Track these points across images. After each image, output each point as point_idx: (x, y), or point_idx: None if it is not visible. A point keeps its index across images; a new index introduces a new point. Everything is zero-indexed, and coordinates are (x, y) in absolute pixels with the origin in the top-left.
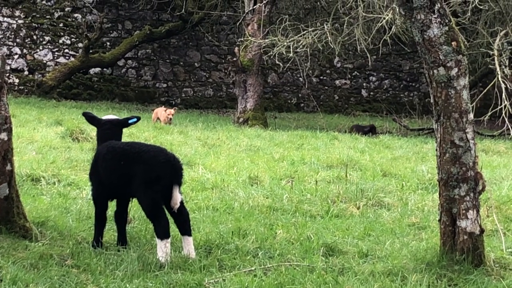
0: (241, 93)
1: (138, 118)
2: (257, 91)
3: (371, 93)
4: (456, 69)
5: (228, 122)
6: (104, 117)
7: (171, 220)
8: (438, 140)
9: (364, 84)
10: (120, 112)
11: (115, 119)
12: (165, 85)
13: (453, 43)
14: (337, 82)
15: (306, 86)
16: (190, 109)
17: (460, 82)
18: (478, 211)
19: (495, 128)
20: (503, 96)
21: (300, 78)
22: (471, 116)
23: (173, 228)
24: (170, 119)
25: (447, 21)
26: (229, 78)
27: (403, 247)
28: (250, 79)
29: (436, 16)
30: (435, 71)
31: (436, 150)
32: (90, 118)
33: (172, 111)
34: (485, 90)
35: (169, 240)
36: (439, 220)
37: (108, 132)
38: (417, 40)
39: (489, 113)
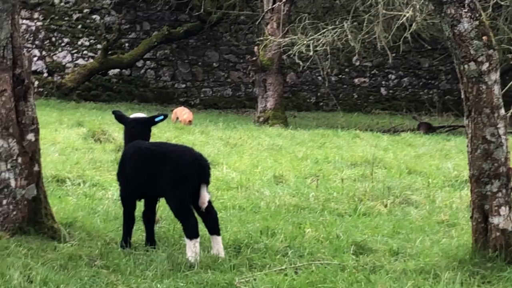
0: (261, 92)
1: (165, 116)
2: (277, 90)
3: (390, 91)
4: (487, 64)
5: (248, 122)
6: (132, 116)
7: (199, 220)
8: (469, 136)
9: (383, 82)
10: (139, 112)
11: (141, 118)
12: (183, 86)
13: (483, 37)
14: (356, 80)
15: (325, 85)
16: (209, 109)
17: (491, 77)
18: (510, 208)
19: None
20: None
21: (319, 77)
22: (502, 111)
23: (202, 228)
24: (190, 121)
25: (477, 15)
26: (248, 77)
27: (433, 244)
28: (270, 78)
29: (466, 10)
30: (465, 66)
31: (467, 146)
32: (119, 117)
33: (191, 116)
34: (507, 87)
35: (198, 239)
36: (471, 217)
37: (134, 131)
38: (447, 35)
39: (510, 111)
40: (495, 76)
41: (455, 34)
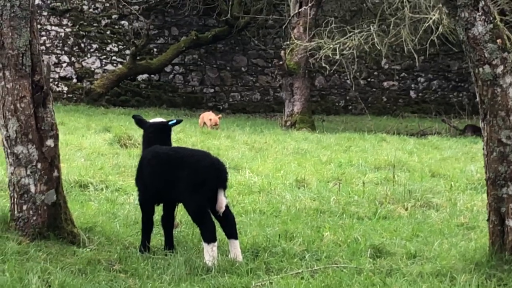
0: (288, 97)
1: (178, 121)
2: (304, 94)
3: (420, 94)
4: (501, 67)
5: (275, 126)
6: (151, 120)
7: (217, 224)
8: (485, 139)
9: (413, 85)
10: (167, 118)
11: (159, 122)
12: (212, 90)
13: (498, 40)
14: (385, 83)
15: (354, 89)
16: (237, 113)
17: (506, 80)
18: None
19: None
20: None
21: (348, 81)
22: None
23: (220, 232)
24: (216, 124)
25: (491, 18)
26: (276, 82)
27: (451, 247)
28: (296, 82)
29: (480, 13)
30: (480, 69)
31: (483, 149)
32: (138, 121)
33: (217, 118)
34: None
35: (215, 243)
36: (488, 220)
37: (151, 136)
38: (462, 38)
39: None
40: (510, 79)
41: (469, 38)
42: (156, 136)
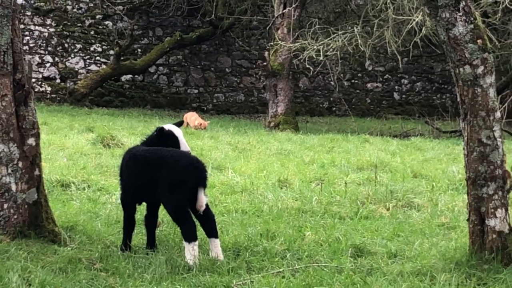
0: (272, 98)
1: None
2: (287, 95)
3: (403, 96)
4: (482, 67)
5: (259, 127)
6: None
7: (198, 223)
8: (466, 139)
9: (396, 87)
10: (151, 118)
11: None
12: (196, 91)
13: (478, 41)
14: (368, 85)
15: (337, 90)
16: (221, 114)
17: (486, 80)
18: (507, 210)
19: None
20: None
21: (331, 82)
22: (498, 114)
23: (201, 231)
24: (204, 128)
25: (472, 19)
26: (260, 83)
27: (432, 247)
28: (280, 83)
29: (461, 14)
30: (461, 69)
31: (464, 149)
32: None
33: (206, 124)
34: None
35: (196, 242)
36: (468, 219)
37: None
38: (442, 38)
39: None
40: (490, 79)
41: (450, 38)
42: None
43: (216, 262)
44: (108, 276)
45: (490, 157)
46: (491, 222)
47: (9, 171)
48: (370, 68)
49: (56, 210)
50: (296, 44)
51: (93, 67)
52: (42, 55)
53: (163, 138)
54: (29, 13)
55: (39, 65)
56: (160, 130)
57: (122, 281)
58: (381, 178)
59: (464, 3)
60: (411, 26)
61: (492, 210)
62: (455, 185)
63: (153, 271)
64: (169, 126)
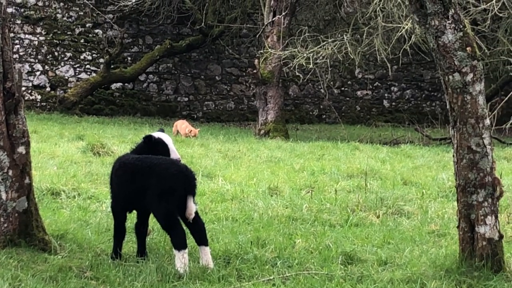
0: (262, 105)
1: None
2: (277, 103)
3: (393, 103)
4: (471, 75)
5: (249, 135)
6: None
7: (187, 231)
8: (455, 146)
9: (386, 95)
10: (141, 126)
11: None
12: (186, 99)
13: (467, 48)
14: (358, 93)
15: (327, 98)
16: (211, 122)
17: (475, 87)
18: (496, 217)
19: None
20: None
21: (321, 90)
22: (487, 121)
23: (192, 239)
24: (195, 135)
25: (461, 26)
26: (250, 90)
27: (422, 254)
28: (270, 91)
29: (450, 22)
30: (450, 77)
31: (453, 156)
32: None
33: (196, 131)
34: (506, 98)
35: (186, 250)
36: (458, 227)
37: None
38: (432, 46)
39: (510, 121)
40: (479, 86)
41: (439, 45)
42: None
43: (206, 270)
44: (99, 284)
45: (480, 164)
46: (481, 229)
47: None
48: (360, 76)
49: (47, 219)
50: (286, 52)
51: (83, 75)
52: (32, 64)
53: (153, 146)
54: (19, 22)
55: (29, 73)
56: (148, 138)
57: None
58: (371, 186)
59: (453, 10)
60: (400, 33)
61: (482, 217)
62: (445, 192)
63: (143, 279)
64: (158, 134)
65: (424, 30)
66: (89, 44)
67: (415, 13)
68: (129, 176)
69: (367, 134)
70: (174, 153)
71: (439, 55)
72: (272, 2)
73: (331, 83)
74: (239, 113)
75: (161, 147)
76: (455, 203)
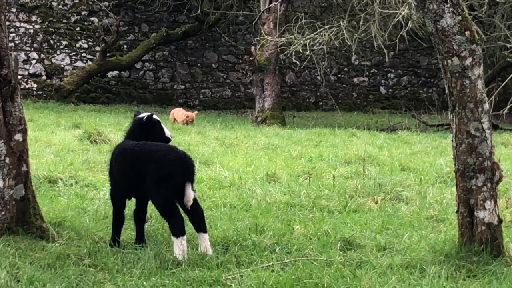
0: (259, 92)
1: (148, 116)
2: (274, 90)
3: (390, 90)
4: (470, 59)
5: (246, 122)
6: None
7: (186, 218)
8: (454, 130)
9: (383, 81)
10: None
11: (136, 118)
12: (183, 87)
13: (466, 32)
14: (355, 79)
15: (324, 85)
16: (208, 110)
17: (474, 71)
18: (495, 202)
19: None
20: None
21: (318, 77)
22: (486, 106)
23: (190, 226)
24: (192, 121)
25: (460, 10)
26: (246, 78)
27: (421, 239)
28: (267, 78)
29: (449, 5)
30: (449, 61)
31: (452, 141)
32: (134, 116)
33: (193, 115)
34: (503, 84)
35: (185, 237)
36: (457, 212)
37: (130, 130)
38: (430, 30)
39: (508, 107)
40: (478, 71)
41: (438, 30)
42: (132, 131)
43: (205, 257)
44: (97, 271)
45: (479, 149)
46: (480, 214)
47: None
48: (356, 63)
49: (44, 206)
50: (283, 38)
51: (79, 64)
52: (28, 52)
53: (148, 127)
54: (14, 10)
55: (25, 62)
56: (146, 119)
57: (111, 277)
58: (369, 172)
59: None
60: (397, 20)
61: (481, 202)
62: (443, 177)
63: (142, 266)
64: (145, 114)
65: (422, 14)
66: (85, 32)
67: None
68: (129, 162)
69: (364, 121)
70: (167, 132)
71: (438, 39)
72: None
73: (328, 70)
74: (235, 101)
75: (158, 127)
76: (454, 189)
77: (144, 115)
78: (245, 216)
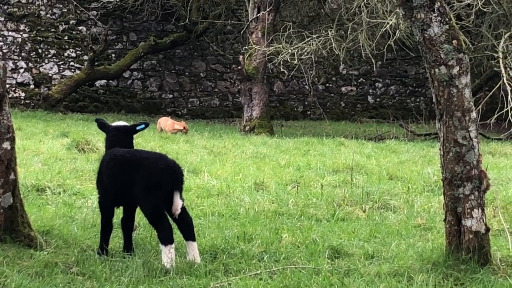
0: (247, 102)
1: (146, 125)
2: (262, 99)
3: (378, 99)
4: (457, 68)
5: (234, 131)
6: (113, 124)
7: (175, 226)
8: (442, 139)
9: (370, 91)
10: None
11: (122, 126)
12: (171, 96)
13: (453, 41)
14: (343, 89)
15: (312, 94)
16: (196, 119)
17: (461, 80)
18: (483, 210)
19: (501, 131)
20: (509, 98)
21: (306, 86)
22: (473, 114)
23: (178, 234)
24: (187, 131)
25: (447, 19)
26: (234, 87)
27: (409, 248)
28: (255, 87)
29: (436, 14)
30: (436, 70)
31: (440, 149)
32: (101, 125)
33: (187, 126)
34: (490, 93)
35: (173, 245)
36: (444, 220)
37: (114, 139)
38: (418, 39)
39: (495, 116)
40: (465, 79)
41: (426, 38)
42: (120, 139)
43: (193, 265)
44: (85, 280)
45: (466, 157)
46: (468, 222)
47: None
48: (344, 72)
49: (32, 215)
50: (271, 48)
51: (67, 73)
52: (16, 61)
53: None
54: (2, 19)
55: (13, 70)
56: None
57: (99, 285)
58: (357, 180)
59: (439, 3)
60: (385, 29)
61: (469, 210)
62: (431, 186)
63: (130, 275)
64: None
65: (410, 23)
66: (73, 41)
67: (401, 6)
68: (119, 169)
69: (352, 130)
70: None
71: (425, 48)
72: None
73: (316, 79)
74: (224, 110)
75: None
76: (441, 197)
77: (122, 123)
78: (233, 224)
